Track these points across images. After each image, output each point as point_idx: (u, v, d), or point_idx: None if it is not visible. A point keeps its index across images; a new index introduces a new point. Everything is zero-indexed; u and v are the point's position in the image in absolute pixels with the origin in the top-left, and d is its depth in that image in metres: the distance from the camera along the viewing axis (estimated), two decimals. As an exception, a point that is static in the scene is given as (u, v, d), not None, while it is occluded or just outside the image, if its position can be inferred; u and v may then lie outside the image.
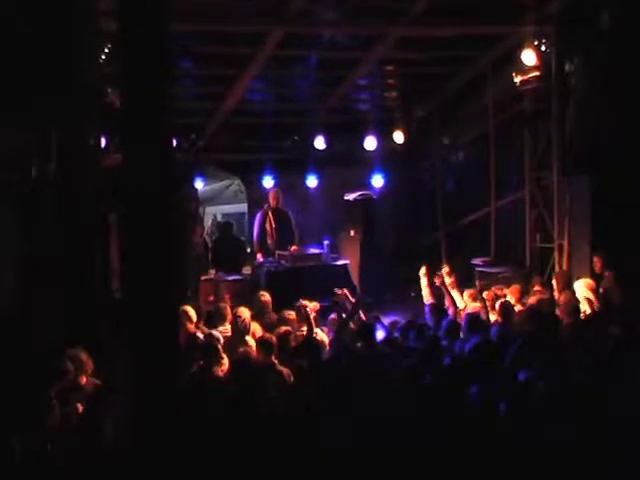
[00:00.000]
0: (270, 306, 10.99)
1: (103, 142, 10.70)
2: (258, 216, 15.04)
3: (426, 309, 10.70)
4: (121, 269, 6.20)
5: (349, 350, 8.75)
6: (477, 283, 13.08)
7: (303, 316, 10.16)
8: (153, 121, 5.79)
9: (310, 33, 13.09)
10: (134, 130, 5.88)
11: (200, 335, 9.11)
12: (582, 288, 11.08)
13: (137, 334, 5.74)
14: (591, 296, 10.80)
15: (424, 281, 11.76)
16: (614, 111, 12.30)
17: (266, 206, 15.04)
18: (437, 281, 11.51)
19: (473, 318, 9.37)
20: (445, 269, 12.36)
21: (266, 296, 11.12)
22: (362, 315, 10.44)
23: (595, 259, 11.68)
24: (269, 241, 14.77)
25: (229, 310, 10.23)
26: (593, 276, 11.88)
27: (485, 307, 10.69)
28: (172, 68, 7.99)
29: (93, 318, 8.79)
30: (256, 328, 9.75)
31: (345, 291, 10.93)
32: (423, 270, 11.95)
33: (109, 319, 8.63)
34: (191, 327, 9.79)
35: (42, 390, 6.79)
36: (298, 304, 10.45)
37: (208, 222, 19.15)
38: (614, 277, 11.16)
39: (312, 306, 10.52)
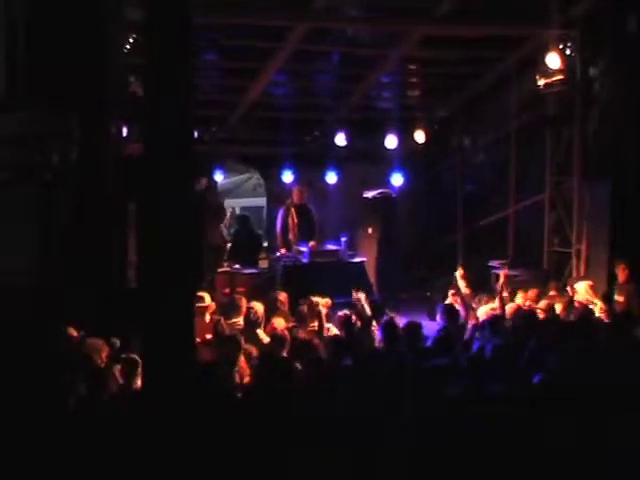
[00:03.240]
0: (286, 305, 10.99)
1: (124, 131, 10.73)
2: (281, 211, 15.05)
3: (439, 310, 10.66)
4: (138, 258, 6.22)
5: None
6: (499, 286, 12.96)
7: (314, 313, 10.19)
8: (175, 112, 5.80)
9: (334, 29, 13.09)
10: (155, 120, 5.89)
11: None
12: (583, 291, 11.13)
13: (152, 324, 5.76)
14: (592, 298, 10.87)
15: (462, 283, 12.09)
16: (638, 117, 12.25)
17: (289, 201, 15.04)
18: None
19: (494, 321, 9.41)
20: (459, 272, 12.52)
21: (283, 295, 11.13)
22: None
23: (621, 267, 11.48)
24: (290, 236, 14.78)
25: (244, 303, 10.26)
26: (610, 281, 11.86)
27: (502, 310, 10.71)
28: (195, 59, 8.03)
29: (109, 307, 8.83)
30: (279, 323, 9.74)
31: (360, 295, 10.96)
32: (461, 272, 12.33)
33: (125, 308, 8.67)
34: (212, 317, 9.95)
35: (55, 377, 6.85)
36: (309, 300, 10.47)
37: (227, 215, 19.14)
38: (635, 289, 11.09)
39: (323, 302, 10.53)
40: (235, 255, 14.67)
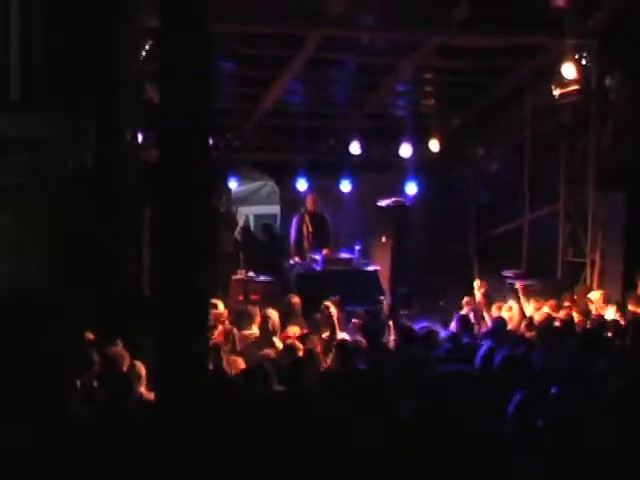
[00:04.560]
0: (299, 309, 11.03)
1: (140, 137, 10.76)
2: (295, 219, 15.07)
3: (455, 318, 10.69)
4: (152, 264, 6.24)
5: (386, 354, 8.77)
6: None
7: (326, 319, 10.19)
8: (190, 119, 5.82)
9: (349, 37, 13.11)
10: (171, 127, 5.91)
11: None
12: (598, 300, 11.17)
13: (167, 330, 5.77)
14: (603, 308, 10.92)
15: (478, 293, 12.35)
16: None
17: (303, 209, 15.08)
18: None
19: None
20: (477, 283, 12.64)
21: (295, 298, 11.17)
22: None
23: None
24: (305, 244, 14.80)
25: (257, 312, 10.27)
26: (624, 292, 11.85)
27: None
28: (212, 67, 8.06)
29: (124, 313, 8.84)
30: (294, 331, 9.77)
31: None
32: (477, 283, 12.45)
33: (139, 314, 8.68)
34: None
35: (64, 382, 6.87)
36: (323, 307, 10.50)
37: (241, 222, 19.18)
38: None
39: (333, 309, 10.55)
40: (250, 262, 14.71)
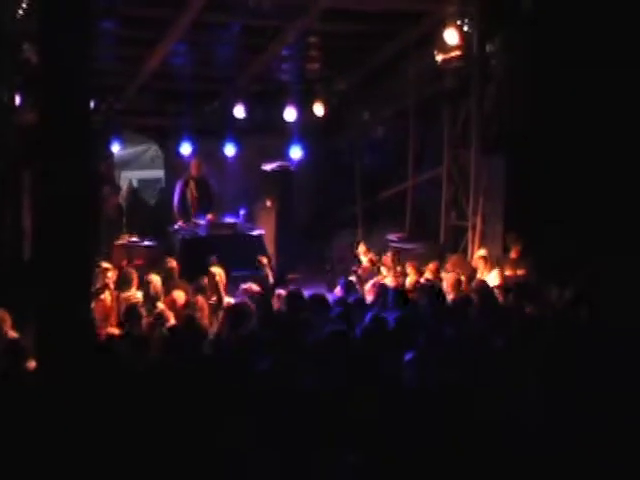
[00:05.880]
0: (176, 272, 11.03)
1: (18, 99, 10.46)
2: (178, 184, 14.96)
3: (340, 284, 10.77)
4: (32, 228, 6.10)
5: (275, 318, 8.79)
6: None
7: (213, 284, 10.17)
8: (70, 80, 5.68)
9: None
10: (50, 88, 5.76)
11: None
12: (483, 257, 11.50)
13: (48, 296, 5.65)
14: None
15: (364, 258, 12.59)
16: (531, 93, 12.47)
17: (187, 175, 14.95)
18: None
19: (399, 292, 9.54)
20: (362, 248, 12.82)
21: (172, 262, 11.14)
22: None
23: (513, 247, 11.82)
24: (191, 210, 14.71)
25: (135, 275, 10.22)
26: (504, 254, 12.15)
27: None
28: (93, 27, 7.87)
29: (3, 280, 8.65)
30: (179, 295, 9.71)
31: (265, 260, 11.15)
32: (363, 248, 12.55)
33: (19, 279, 8.51)
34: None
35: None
36: (209, 272, 10.47)
37: (123, 187, 18.94)
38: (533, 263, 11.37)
39: (219, 273, 10.52)
40: (132, 227, 14.56)
